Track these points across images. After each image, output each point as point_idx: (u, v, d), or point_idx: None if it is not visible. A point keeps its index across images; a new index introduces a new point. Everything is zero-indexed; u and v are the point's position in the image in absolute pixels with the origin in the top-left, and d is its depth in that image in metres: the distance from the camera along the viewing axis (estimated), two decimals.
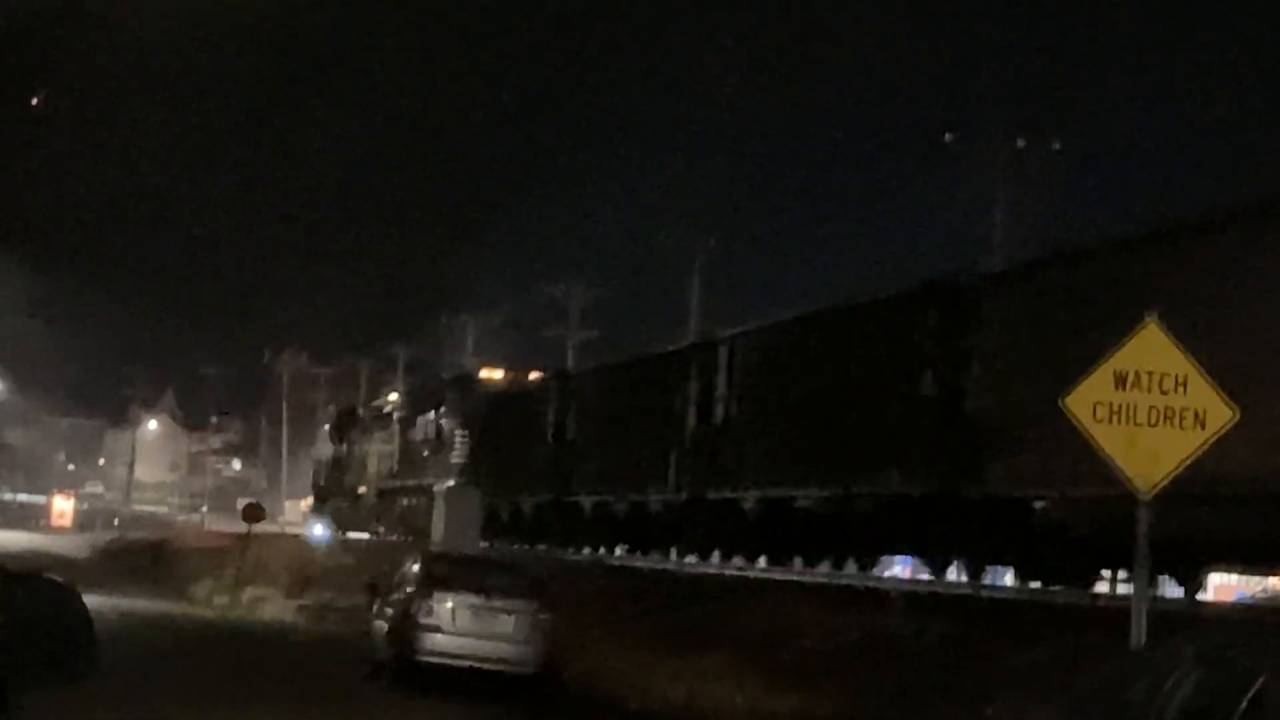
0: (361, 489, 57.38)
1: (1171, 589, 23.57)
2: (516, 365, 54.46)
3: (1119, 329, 14.94)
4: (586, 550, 38.76)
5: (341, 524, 56.64)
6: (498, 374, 53.15)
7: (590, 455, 39.38)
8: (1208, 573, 22.31)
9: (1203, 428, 14.59)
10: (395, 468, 54.77)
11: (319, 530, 45.43)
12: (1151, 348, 14.76)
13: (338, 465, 61.79)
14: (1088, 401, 14.77)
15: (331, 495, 61.03)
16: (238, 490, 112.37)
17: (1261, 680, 13.20)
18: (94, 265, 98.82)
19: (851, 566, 28.48)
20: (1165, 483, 14.52)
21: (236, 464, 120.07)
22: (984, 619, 19.89)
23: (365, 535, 54.19)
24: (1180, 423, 14.61)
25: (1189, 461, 14.55)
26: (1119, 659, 14.62)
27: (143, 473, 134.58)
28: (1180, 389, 14.63)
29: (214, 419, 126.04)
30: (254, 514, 53.36)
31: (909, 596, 22.70)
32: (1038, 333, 22.64)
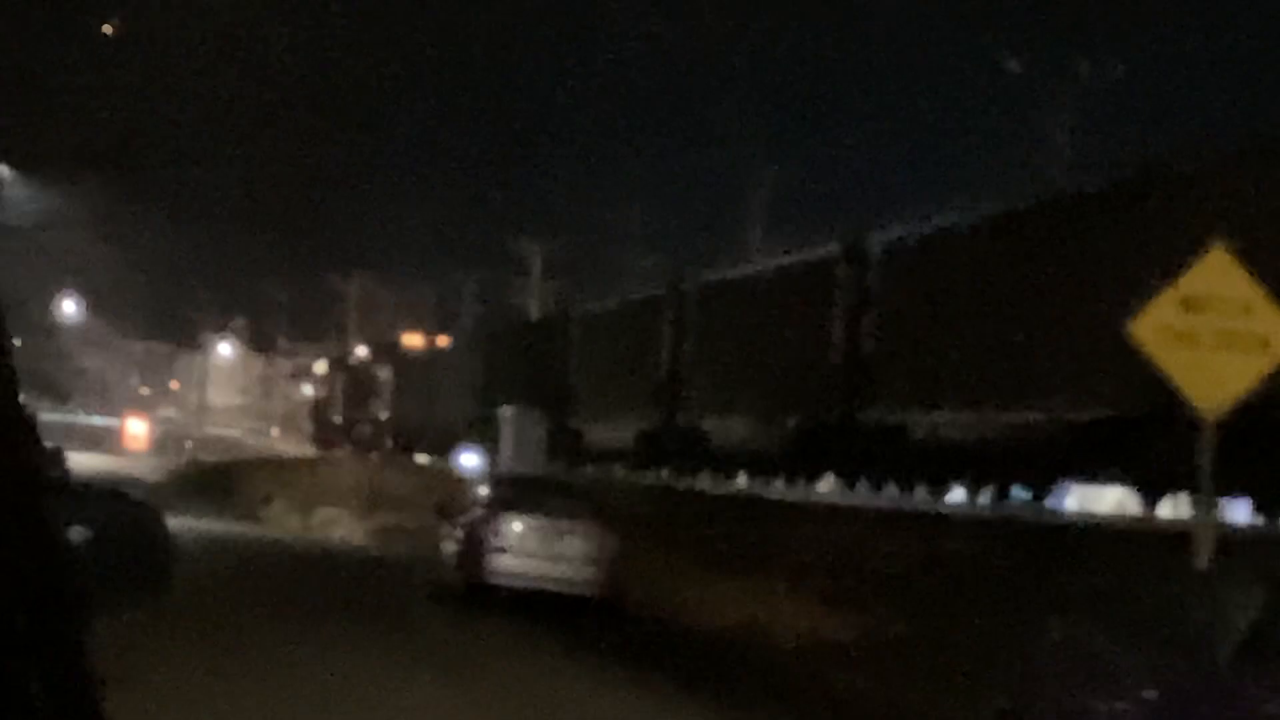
0: (337, 418, 77.55)
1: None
2: (433, 332, 77.17)
3: None
4: (704, 477, 36.51)
5: (324, 445, 75.91)
6: (417, 339, 77.76)
7: (709, 377, 37.12)
8: None
9: (1266, 352, 14.64)
10: (355, 403, 74.79)
11: (471, 459, 45.00)
12: (1217, 272, 14.78)
13: (327, 401, 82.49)
14: (1153, 325, 14.82)
15: (320, 423, 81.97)
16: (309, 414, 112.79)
17: None
18: (165, 189, 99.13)
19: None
20: (1229, 406, 14.58)
21: (307, 388, 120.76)
22: (1045, 542, 19.96)
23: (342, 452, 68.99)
24: (1244, 347, 14.65)
25: (1253, 385, 14.62)
26: (1181, 581, 14.69)
27: (214, 396, 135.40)
28: (1245, 314, 14.66)
29: (284, 343, 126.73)
30: (326, 437, 54.08)
31: (970, 520, 22.73)
32: None
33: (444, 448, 53.26)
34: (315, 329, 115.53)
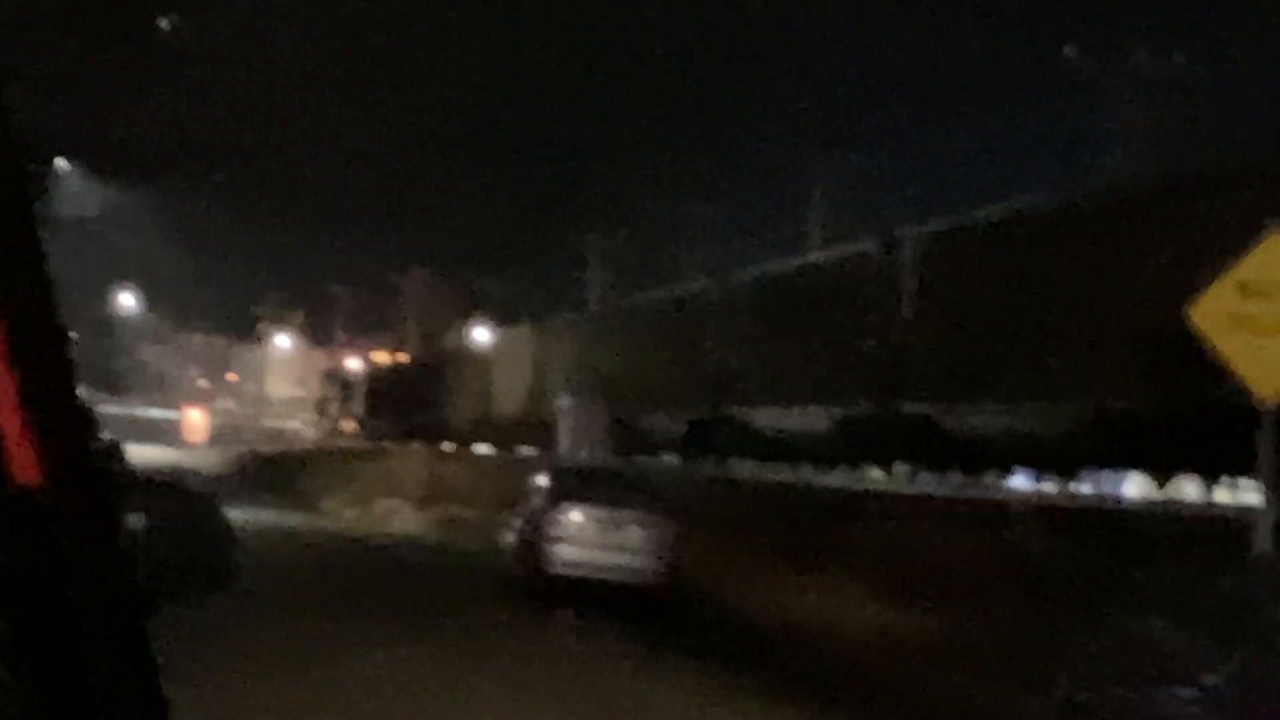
0: (334, 412, 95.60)
1: None
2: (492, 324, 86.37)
3: None
4: (753, 466, 36.82)
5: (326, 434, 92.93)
6: (384, 354, 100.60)
7: (757, 367, 36.91)
8: None
9: None
10: (344, 401, 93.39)
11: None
12: (1275, 258, 14.69)
13: (327, 399, 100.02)
14: (1211, 311, 14.73)
15: (323, 415, 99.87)
16: None
17: None
18: (222, 185, 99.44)
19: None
20: None
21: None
22: (1110, 531, 19.83)
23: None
24: None
25: None
26: (1247, 569, 14.60)
27: (272, 388, 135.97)
28: None
29: (342, 336, 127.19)
30: (383, 430, 54.25)
31: (1035, 510, 22.58)
32: None
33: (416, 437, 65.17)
34: (375, 323, 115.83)
